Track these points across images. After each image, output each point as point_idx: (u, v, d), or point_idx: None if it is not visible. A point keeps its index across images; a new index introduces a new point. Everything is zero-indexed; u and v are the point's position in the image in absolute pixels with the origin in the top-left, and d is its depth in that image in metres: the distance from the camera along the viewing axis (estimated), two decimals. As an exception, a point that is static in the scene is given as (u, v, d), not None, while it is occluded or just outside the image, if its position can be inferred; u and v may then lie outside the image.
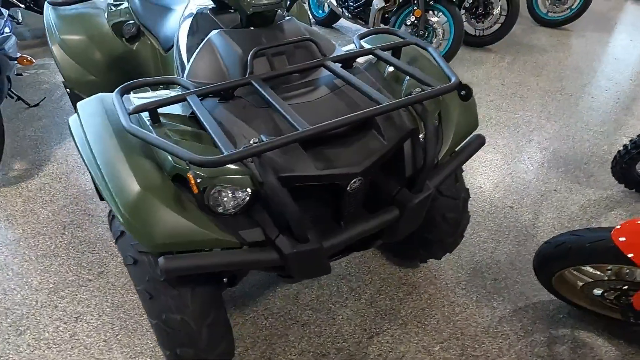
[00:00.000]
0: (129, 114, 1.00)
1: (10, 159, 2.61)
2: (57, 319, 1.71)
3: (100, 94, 1.20)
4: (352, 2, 4.04)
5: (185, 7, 1.56)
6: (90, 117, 1.12)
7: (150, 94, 1.28)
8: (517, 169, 2.51)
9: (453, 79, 1.14)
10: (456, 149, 1.35)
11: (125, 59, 1.92)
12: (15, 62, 2.59)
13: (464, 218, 1.61)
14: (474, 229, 2.09)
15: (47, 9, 1.95)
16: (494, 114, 3.07)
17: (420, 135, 1.20)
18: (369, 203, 1.27)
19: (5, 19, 2.47)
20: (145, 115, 1.06)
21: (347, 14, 4.18)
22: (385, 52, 1.30)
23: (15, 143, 2.77)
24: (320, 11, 4.77)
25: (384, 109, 1.01)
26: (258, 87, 1.09)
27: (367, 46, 1.45)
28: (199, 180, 0.94)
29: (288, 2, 1.58)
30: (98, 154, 1.02)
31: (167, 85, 1.27)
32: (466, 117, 1.33)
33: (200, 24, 1.41)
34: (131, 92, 1.19)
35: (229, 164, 0.87)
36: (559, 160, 2.58)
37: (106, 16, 1.96)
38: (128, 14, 1.97)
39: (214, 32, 1.25)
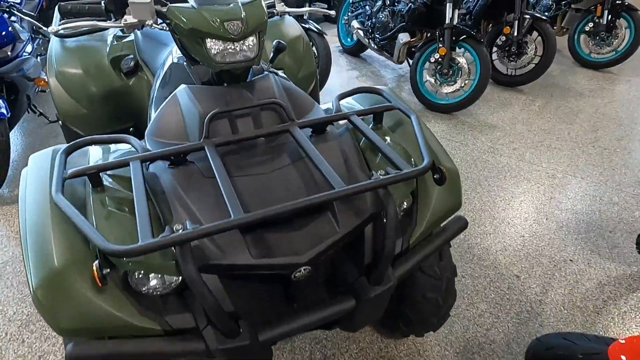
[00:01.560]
0: (64, 178, 0.95)
1: (19, 176, 2.67)
2: (21, 355, 1.68)
3: (57, 146, 1.16)
4: (378, 35, 3.95)
5: (169, 54, 1.52)
6: (35, 172, 1.07)
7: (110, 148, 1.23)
8: (531, 231, 2.30)
9: (425, 161, 1.01)
10: (434, 231, 1.21)
11: (120, 94, 1.91)
12: (33, 82, 2.67)
13: (449, 298, 1.45)
14: (472, 298, 1.91)
15: (52, 39, 1.98)
16: (514, 163, 2.87)
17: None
18: (332, 284, 1.15)
19: (25, 41, 2.55)
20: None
21: (373, 46, 4.10)
22: (361, 118, 1.20)
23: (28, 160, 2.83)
24: (349, 39, 4.72)
25: (335, 195, 0.90)
26: (208, 155, 1.01)
27: (345, 109, 1.35)
28: (107, 271, 0.86)
29: (271, 54, 1.50)
30: (29, 216, 0.96)
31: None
32: (447, 196, 1.19)
33: (173, 75, 1.35)
34: (90, 146, 1.15)
35: (142, 254, 0.78)
36: (580, 225, 2.35)
37: (107, 49, 1.96)
38: (130, 48, 1.97)
39: (181, 87, 1.19)
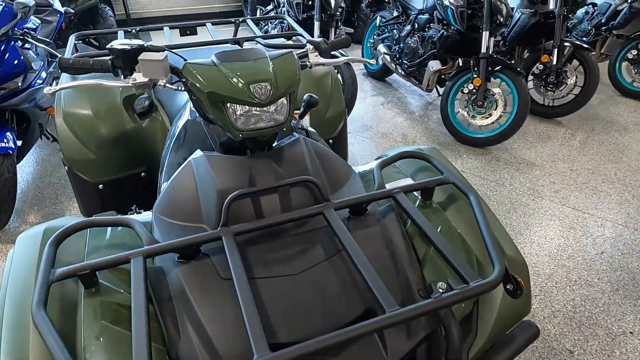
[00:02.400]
0: (50, 282, 0.77)
1: (28, 208, 2.54)
2: None
3: (49, 225, 0.98)
4: (406, 61, 3.76)
5: (186, 103, 1.34)
6: (21, 262, 0.89)
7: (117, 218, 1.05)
8: (582, 294, 2.04)
9: (496, 270, 0.80)
10: (498, 341, 0.99)
11: (132, 137, 1.75)
12: (45, 111, 2.55)
13: None
14: (519, 379, 1.66)
15: (63, 75, 1.84)
16: (557, 209, 2.61)
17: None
18: None
19: (38, 70, 2.43)
20: None
21: (400, 71, 3.90)
22: (407, 196, 1.00)
23: (38, 191, 2.71)
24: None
25: (387, 323, 0.69)
26: (226, 250, 0.82)
27: (390, 184, 1.14)
28: None
29: (302, 109, 1.31)
30: (7, 320, 0.79)
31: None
32: (514, 302, 0.97)
33: (188, 136, 1.18)
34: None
35: None
36: (638, 287, 2.08)
37: (120, 87, 1.81)
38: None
39: (197, 154, 1.01)
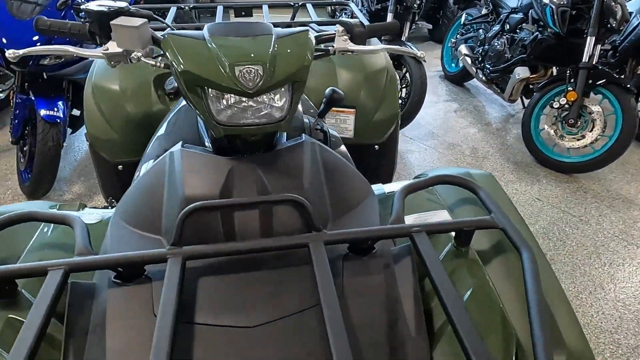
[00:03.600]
0: None
1: (75, 178, 2.58)
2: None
3: (29, 206, 0.86)
4: (489, 65, 3.32)
5: None
6: None
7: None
8: (678, 383, 1.57)
9: None
10: None
11: (158, 119, 1.62)
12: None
13: None
14: None
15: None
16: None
17: None
18: None
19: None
20: None
21: (481, 77, 3.47)
22: (434, 238, 0.73)
23: (89, 161, 2.74)
24: (453, 65, 4.11)
25: None
26: (166, 276, 0.64)
27: (415, 217, 0.86)
28: None
29: (322, 106, 1.07)
30: None
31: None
32: None
33: (180, 123, 0.99)
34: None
35: None
36: None
37: (155, 65, 1.69)
38: None
39: (177, 147, 0.82)
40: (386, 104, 1.77)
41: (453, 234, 0.79)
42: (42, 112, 2.21)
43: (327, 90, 1.07)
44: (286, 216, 0.74)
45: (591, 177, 2.77)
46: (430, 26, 4.55)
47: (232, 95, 0.72)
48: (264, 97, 0.74)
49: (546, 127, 2.80)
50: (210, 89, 0.73)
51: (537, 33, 2.87)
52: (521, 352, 0.66)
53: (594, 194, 2.61)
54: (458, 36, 3.91)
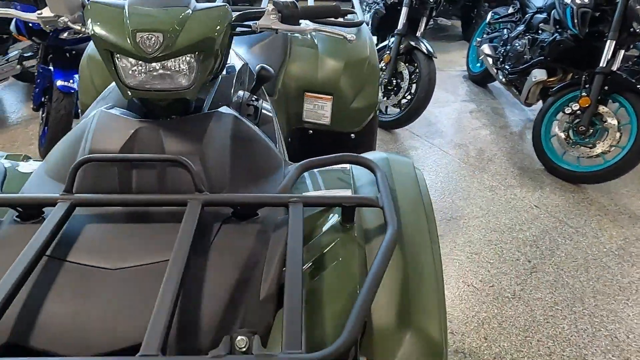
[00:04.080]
0: None
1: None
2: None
3: None
4: (508, 66, 3.20)
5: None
6: None
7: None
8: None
9: (338, 341, 0.53)
10: None
11: None
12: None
13: None
14: None
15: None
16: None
17: None
18: None
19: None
20: None
21: (501, 78, 3.35)
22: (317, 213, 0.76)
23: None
24: (478, 65, 3.99)
25: None
26: (48, 216, 0.71)
27: (315, 194, 0.88)
28: None
29: (254, 82, 1.10)
30: None
31: None
32: None
33: (115, 87, 1.06)
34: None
35: None
36: None
37: None
38: None
39: (100, 109, 0.90)
40: (365, 93, 1.77)
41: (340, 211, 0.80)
42: (58, 82, 2.38)
43: (257, 67, 1.10)
44: (176, 177, 0.80)
45: (601, 189, 2.62)
46: (449, 22, 4.44)
47: (131, 59, 0.78)
48: (170, 64, 0.80)
49: (558, 132, 2.68)
50: (117, 54, 0.79)
51: (556, 34, 2.74)
52: (369, 324, 0.68)
53: (600, 206, 2.48)
54: (484, 35, 3.79)
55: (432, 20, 3.15)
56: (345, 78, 1.74)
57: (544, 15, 2.98)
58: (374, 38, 3.17)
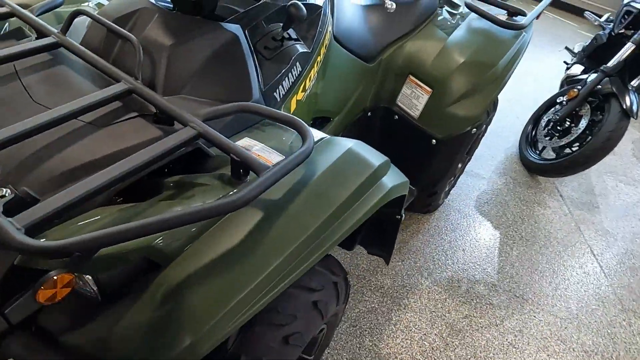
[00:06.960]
0: None
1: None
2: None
3: None
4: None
5: None
6: None
7: None
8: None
9: None
10: None
11: None
12: None
13: None
14: None
15: None
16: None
17: None
18: None
19: None
20: None
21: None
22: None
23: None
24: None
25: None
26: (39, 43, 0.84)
27: (245, 142, 0.83)
28: None
29: (277, 26, 1.07)
30: None
31: None
32: None
33: None
34: None
35: None
36: None
37: None
38: None
39: None
40: (470, 102, 1.47)
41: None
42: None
43: (288, 5, 0.98)
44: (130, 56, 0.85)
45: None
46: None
47: None
48: None
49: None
50: None
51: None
52: None
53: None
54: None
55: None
56: (457, 76, 1.45)
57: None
58: (579, 67, 2.74)
